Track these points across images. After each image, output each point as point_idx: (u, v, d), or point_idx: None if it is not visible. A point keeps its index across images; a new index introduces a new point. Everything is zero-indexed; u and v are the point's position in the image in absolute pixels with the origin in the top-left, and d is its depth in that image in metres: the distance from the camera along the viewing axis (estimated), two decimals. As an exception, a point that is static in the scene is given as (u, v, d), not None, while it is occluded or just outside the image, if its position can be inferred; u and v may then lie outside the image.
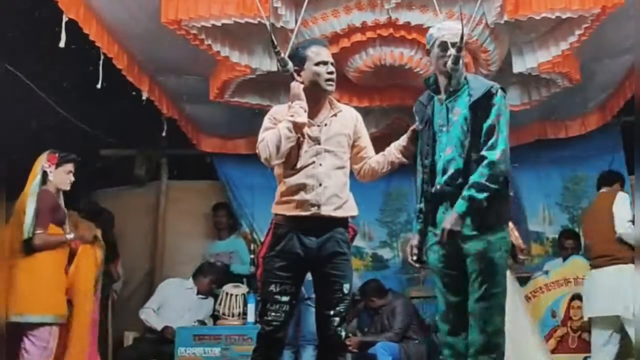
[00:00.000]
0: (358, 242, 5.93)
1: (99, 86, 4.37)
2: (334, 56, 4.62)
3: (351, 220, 5.74)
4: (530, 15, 4.24)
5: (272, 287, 3.02)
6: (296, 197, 3.03)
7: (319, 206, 3.00)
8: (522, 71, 4.79)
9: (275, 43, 2.99)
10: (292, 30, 4.20)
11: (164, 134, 5.97)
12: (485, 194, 2.93)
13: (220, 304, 5.42)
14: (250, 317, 5.12)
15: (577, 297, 4.91)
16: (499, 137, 2.98)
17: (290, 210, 3.05)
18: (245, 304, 5.26)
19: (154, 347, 5.36)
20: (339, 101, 5.16)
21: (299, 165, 3.04)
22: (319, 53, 3.10)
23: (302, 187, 3.03)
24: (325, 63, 3.11)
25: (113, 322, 5.68)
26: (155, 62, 5.00)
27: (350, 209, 3.13)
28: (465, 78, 3.18)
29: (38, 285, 4.01)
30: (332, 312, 3.00)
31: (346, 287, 3.02)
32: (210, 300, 5.73)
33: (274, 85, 5.18)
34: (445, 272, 3.15)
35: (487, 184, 2.93)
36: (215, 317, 5.53)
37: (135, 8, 4.30)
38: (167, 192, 6.90)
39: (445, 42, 3.10)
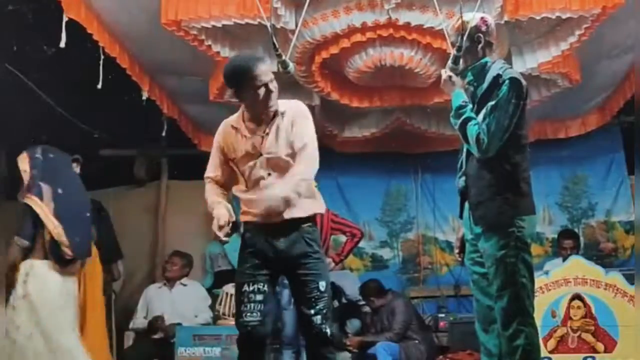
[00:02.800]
0: (358, 242, 5.95)
1: (99, 86, 4.37)
2: (334, 56, 4.67)
3: (352, 221, 5.83)
4: (530, 15, 4.24)
5: (246, 287, 3.00)
6: (255, 208, 3.03)
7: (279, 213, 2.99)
8: (522, 71, 4.77)
9: (276, 44, 2.98)
10: (292, 31, 4.20)
11: (164, 134, 5.98)
12: (456, 119, 3.00)
13: (220, 304, 5.42)
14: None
15: (577, 297, 4.90)
16: (489, 122, 2.89)
17: (254, 218, 3.05)
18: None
19: (155, 347, 5.36)
20: (339, 101, 5.22)
21: (251, 182, 3.05)
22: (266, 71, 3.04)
23: (258, 199, 3.02)
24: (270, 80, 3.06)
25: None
26: (155, 63, 5.01)
27: (312, 208, 3.08)
28: (490, 68, 3.06)
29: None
30: (312, 312, 2.97)
31: (322, 285, 2.99)
32: (184, 287, 5.72)
33: (275, 86, 5.19)
34: (472, 270, 3.10)
35: (460, 122, 2.95)
36: (215, 317, 5.52)
37: (136, 9, 4.31)
38: (167, 192, 6.91)
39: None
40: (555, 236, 6.34)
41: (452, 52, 3.08)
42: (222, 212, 3.08)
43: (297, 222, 3.02)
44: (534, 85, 5.26)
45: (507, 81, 2.94)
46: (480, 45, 3.08)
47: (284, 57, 3.00)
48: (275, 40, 2.98)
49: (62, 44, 4.01)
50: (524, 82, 3.02)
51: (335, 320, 5.95)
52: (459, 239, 3.25)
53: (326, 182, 6.53)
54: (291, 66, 3.05)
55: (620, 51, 4.94)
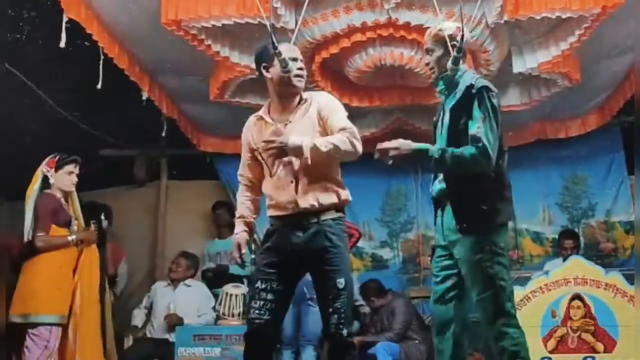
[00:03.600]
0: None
1: (99, 86, 4.38)
2: (334, 56, 4.67)
3: (352, 221, 5.84)
4: (530, 15, 4.24)
5: (259, 284, 2.97)
6: (275, 200, 3.02)
7: (296, 203, 2.95)
8: (522, 71, 4.79)
9: (276, 44, 2.98)
10: (292, 31, 4.20)
11: (164, 134, 5.98)
12: (440, 160, 2.92)
13: (220, 304, 5.42)
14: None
15: (577, 297, 4.91)
16: (486, 133, 2.88)
17: (275, 212, 3.04)
18: (245, 304, 5.25)
19: (155, 347, 5.36)
20: (338, 101, 5.22)
21: (274, 170, 3.03)
22: (289, 49, 3.04)
23: (278, 188, 3.01)
24: (294, 59, 3.03)
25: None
26: (155, 63, 5.01)
27: (333, 197, 2.99)
28: (461, 76, 3.08)
29: (40, 286, 4.06)
30: (330, 310, 2.89)
31: (340, 282, 2.88)
32: (188, 287, 5.72)
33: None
34: (434, 273, 3.16)
35: (451, 159, 2.90)
36: (215, 317, 5.52)
37: (136, 8, 4.31)
38: (167, 192, 6.91)
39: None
40: (556, 236, 6.35)
41: (453, 53, 3.09)
42: (239, 235, 3.10)
43: (317, 214, 2.95)
44: (534, 85, 5.27)
45: (483, 91, 2.96)
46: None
47: (284, 57, 2.99)
48: (274, 39, 2.97)
49: (62, 44, 4.01)
50: (495, 90, 3.04)
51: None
52: (433, 247, 3.32)
53: (326, 182, 6.55)
54: (291, 65, 3.05)
55: (620, 51, 4.93)
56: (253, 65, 4.62)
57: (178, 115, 5.82)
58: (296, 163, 2.96)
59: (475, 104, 2.93)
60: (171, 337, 5.28)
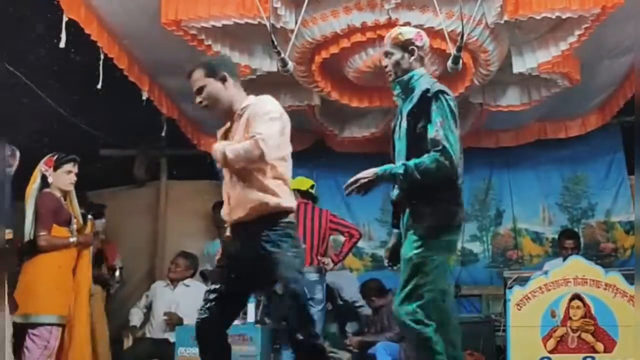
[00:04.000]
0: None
1: (99, 86, 4.38)
2: (334, 56, 4.67)
3: (352, 221, 5.83)
4: (530, 15, 4.24)
5: (209, 285, 3.09)
6: (223, 211, 3.10)
7: (230, 214, 3.01)
8: (522, 71, 4.79)
9: (276, 43, 2.98)
10: (292, 31, 4.21)
11: (163, 134, 5.98)
12: (405, 175, 2.89)
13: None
14: (250, 317, 5.11)
15: (577, 297, 4.91)
16: (446, 134, 2.89)
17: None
18: (244, 305, 5.25)
19: (155, 347, 5.36)
20: (339, 101, 5.22)
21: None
22: (195, 80, 3.05)
23: (224, 200, 3.08)
24: (199, 91, 3.05)
25: (111, 322, 5.67)
26: (155, 63, 5.01)
27: (263, 205, 2.91)
28: (417, 80, 3.08)
29: (40, 286, 4.06)
30: (277, 317, 2.96)
31: (278, 289, 2.85)
32: (187, 287, 5.74)
33: (275, 86, 5.17)
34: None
35: (416, 171, 2.88)
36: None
37: (135, 9, 4.31)
38: (167, 192, 6.92)
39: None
40: (555, 236, 6.35)
41: (453, 52, 3.09)
42: (224, 238, 3.20)
43: (253, 224, 2.92)
44: (534, 85, 5.27)
45: (439, 94, 2.98)
46: (412, 58, 3.12)
47: (282, 55, 2.99)
48: (274, 39, 2.97)
49: (62, 44, 4.02)
50: (452, 94, 3.06)
51: (333, 320, 5.95)
52: (388, 249, 3.33)
53: (326, 182, 6.54)
54: (290, 65, 3.07)
55: (620, 51, 4.94)
56: (253, 66, 4.69)
57: (178, 115, 5.83)
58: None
59: (433, 107, 2.95)
60: (171, 337, 5.28)
